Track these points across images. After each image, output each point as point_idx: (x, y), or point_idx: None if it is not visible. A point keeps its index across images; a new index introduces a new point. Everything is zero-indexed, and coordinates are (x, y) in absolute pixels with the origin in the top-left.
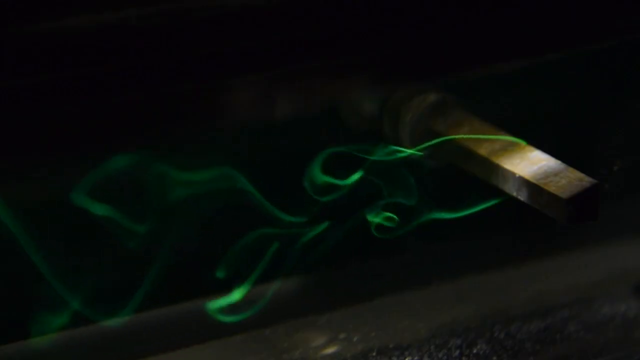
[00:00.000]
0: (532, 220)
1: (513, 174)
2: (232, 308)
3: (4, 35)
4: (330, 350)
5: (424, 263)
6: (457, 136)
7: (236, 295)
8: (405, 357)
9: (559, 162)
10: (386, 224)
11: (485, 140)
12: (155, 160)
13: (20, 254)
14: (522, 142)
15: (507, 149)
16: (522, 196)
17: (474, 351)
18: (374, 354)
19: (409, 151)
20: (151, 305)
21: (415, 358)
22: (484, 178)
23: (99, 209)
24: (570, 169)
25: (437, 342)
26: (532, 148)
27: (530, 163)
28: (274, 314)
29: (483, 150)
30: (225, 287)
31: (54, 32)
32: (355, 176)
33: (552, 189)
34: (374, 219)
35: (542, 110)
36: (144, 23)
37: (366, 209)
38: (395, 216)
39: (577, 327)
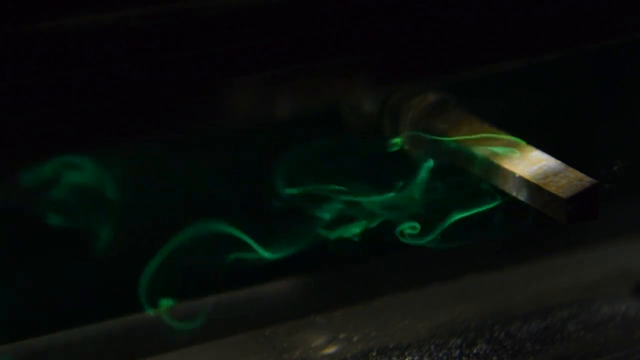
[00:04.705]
0: (532, 220)
1: (513, 174)
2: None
3: (4, 35)
4: (330, 350)
5: (424, 263)
6: (457, 137)
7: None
8: (405, 357)
9: (559, 162)
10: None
11: (485, 140)
12: None
13: None
14: (522, 142)
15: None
16: (522, 196)
17: (474, 351)
18: (374, 354)
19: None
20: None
21: (415, 358)
22: (484, 178)
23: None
24: (570, 169)
25: (437, 342)
26: (532, 148)
27: (530, 163)
28: (274, 314)
29: (483, 150)
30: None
31: (54, 32)
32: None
33: (552, 189)
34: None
35: (542, 110)
36: (144, 23)
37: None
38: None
39: (577, 327)
